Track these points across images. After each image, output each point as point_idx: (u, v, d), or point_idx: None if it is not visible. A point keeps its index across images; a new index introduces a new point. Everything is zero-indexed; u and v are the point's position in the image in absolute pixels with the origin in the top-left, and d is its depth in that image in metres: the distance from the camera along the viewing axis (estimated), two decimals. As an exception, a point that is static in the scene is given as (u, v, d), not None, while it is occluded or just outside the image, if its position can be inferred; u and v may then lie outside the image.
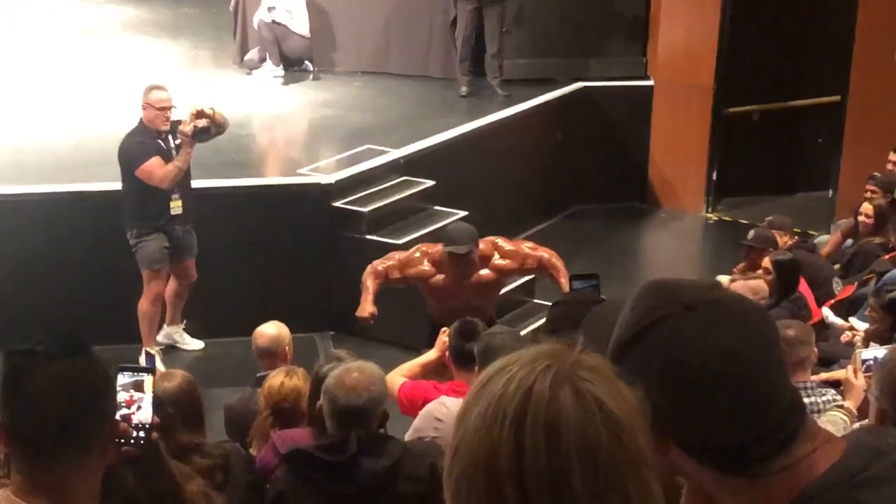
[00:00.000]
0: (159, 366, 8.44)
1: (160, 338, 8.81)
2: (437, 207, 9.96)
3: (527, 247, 7.39)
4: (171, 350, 8.85)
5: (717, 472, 1.58)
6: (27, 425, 2.17)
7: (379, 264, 7.41)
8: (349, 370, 4.29)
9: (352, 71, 12.82)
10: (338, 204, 9.43)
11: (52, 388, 2.15)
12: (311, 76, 12.65)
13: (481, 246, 7.23)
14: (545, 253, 7.35)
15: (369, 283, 7.38)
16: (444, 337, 6.10)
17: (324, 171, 9.82)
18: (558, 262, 7.28)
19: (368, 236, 9.36)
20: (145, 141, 8.22)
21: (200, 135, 8.23)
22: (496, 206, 10.84)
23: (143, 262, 8.39)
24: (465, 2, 11.87)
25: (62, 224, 8.80)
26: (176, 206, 8.32)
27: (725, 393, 1.53)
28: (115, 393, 2.36)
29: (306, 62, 12.74)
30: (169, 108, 8.24)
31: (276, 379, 5.19)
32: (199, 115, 8.17)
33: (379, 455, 4.19)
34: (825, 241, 9.74)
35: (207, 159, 8.57)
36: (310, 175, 9.75)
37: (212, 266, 8.83)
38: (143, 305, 8.48)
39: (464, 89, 12.02)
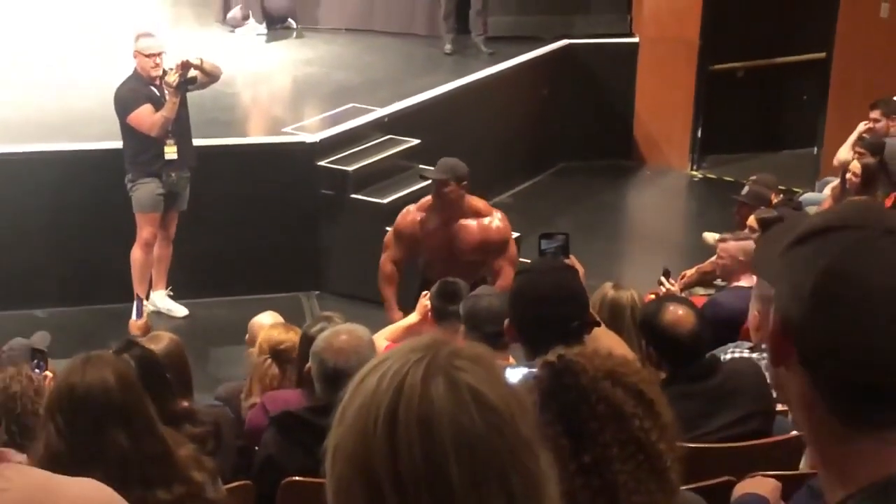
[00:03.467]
0: (146, 308, 8.47)
1: (148, 306, 8.79)
2: (422, 166, 9.92)
3: (511, 254, 7.28)
4: (157, 316, 8.81)
5: (825, 408, 1.41)
6: None
7: (382, 262, 7.43)
8: (338, 333, 4.28)
9: (335, 28, 12.76)
10: (322, 163, 9.40)
11: None
12: (295, 34, 12.58)
13: (479, 205, 7.25)
14: (511, 278, 7.15)
15: (386, 293, 7.41)
16: (424, 300, 6.12)
17: (308, 130, 9.78)
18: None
19: (353, 195, 9.34)
20: (137, 88, 8.30)
21: (186, 84, 8.27)
22: (481, 165, 10.74)
23: (135, 206, 8.44)
24: (449, -42, 11.82)
25: (47, 184, 8.74)
26: (171, 152, 8.33)
27: (890, 326, 1.37)
28: None
29: (290, 20, 12.66)
30: (158, 55, 8.31)
31: (275, 331, 5.25)
32: (185, 65, 8.22)
33: (367, 418, 4.17)
34: (811, 198, 9.74)
35: (191, 118, 8.54)
36: (294, 134, 9.71)
37: (197, 225, 8.81)
38: (134, 252, 8.54)
39: (448, 47, 11.96)
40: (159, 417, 3.11)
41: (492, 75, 11.34)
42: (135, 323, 8.37)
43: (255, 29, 12.36)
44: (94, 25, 12.01)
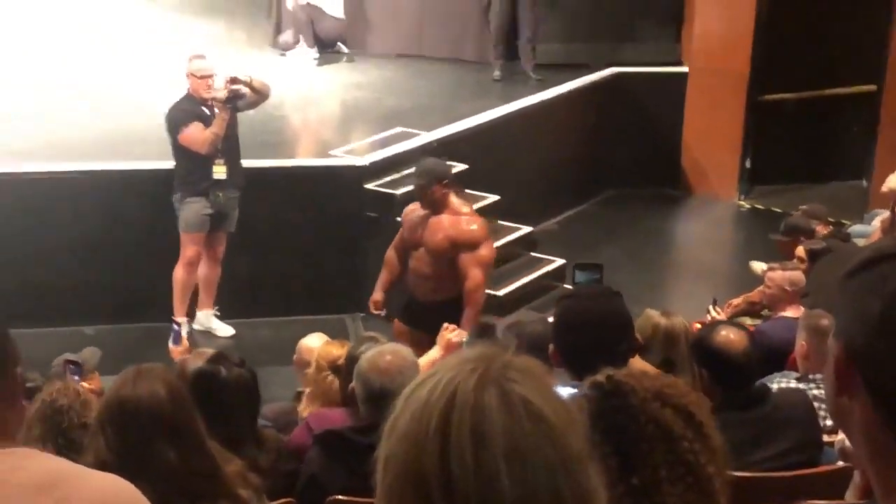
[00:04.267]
0: (184, 334, 8.52)
1: (194, 325, 8.83)
2: (469, 191, 9.94)
3: (481, 255, 7.25)
4: (203, 335, 8.86)
5: (889, 433, 1.39)
6: None
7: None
8: (382, 353, 4.30)
9: (386, 53, 12.81)
10: (370, 186, 9.43)
11: None
12: (345, 58, 12.65)
13: (463, 208, 7.34)
14: (476, 280, 7.17)
15: (381, 274, 7.73)
16: (447, 334, 6.03)
17: (357, 154, 9.81)
18: (476, 295, 7.14)
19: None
20: (188, 108, 8.42)
21: (234, 100, 8.37)
22: (528, 191, 10.83)
23: (181, 225, 8.51)
24: (499, -15, 11.87)
25: (98, 203, 8.84)
26: (219, 171, 8.41)
27: None
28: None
29: (340, 44, 12.74)
30: (210, 77, 8.44)
31: (331, 347, 5.35)
32: (234, 81, 8.33)
33: (411, 438, 4.18)
34: (859, 230, 9.69)
35: (241, 140, 8.61)
36: (343, 157, 9.75)
37: (243, 246, 8.86)
38: (177, 271, 8.59)
39: (497, 73, 11.99)
40: (206, 432, 3.12)
41: (540, 102, 11.35)
42: (175, 349, 8.39)
43: (307, 53, 12.44)
44: (152, 48, 12.12)
